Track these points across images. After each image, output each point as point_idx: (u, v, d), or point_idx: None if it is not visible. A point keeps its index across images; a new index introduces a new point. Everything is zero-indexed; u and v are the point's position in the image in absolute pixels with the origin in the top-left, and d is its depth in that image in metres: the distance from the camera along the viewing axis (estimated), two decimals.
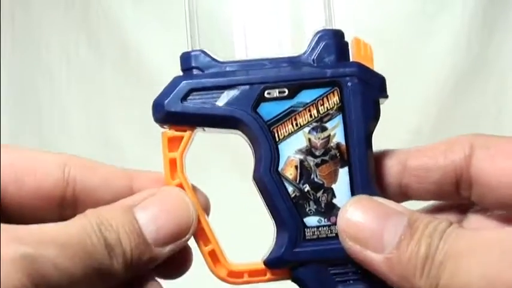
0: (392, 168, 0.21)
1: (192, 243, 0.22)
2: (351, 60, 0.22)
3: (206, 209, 0.22)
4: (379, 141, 0.24)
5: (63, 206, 0.19)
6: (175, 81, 0.22)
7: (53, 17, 0.91)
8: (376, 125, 0.22)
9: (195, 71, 0.22)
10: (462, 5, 0.93)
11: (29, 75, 0.93)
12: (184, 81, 0.21)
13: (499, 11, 0.94)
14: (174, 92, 0.21)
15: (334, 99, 0.21)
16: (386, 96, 0.23)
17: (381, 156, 0.22)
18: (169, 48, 0.98)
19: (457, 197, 0.20)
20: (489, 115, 1.05)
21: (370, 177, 0.21)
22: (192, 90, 0.21)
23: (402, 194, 0.21)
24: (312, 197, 0.21)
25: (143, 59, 0.90)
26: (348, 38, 0.23)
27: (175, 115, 0.21)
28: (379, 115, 0.22)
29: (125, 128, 0.93)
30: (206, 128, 0.22)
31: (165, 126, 0.22)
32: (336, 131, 0.21)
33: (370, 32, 0.99)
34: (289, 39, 0.23)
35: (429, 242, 0.16)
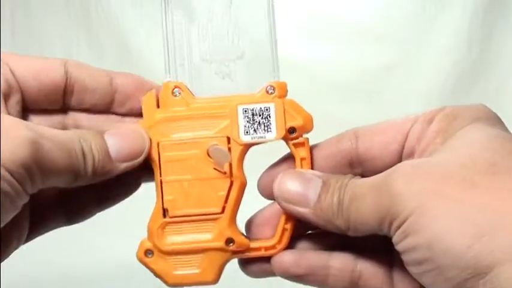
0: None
1: None
2: None
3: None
4: None
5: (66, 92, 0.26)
6: None
7: (53, 17, 0.91)
8: None
9: None
10: (462, 5, 0.93)
11: None
12: None
13: (499, 11, 0.94)
14: None
15: None
16: None
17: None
18: None
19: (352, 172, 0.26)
20: None
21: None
22: None
23: None
24: None
25: (143, 59, 0.90)
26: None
27: None
28: None
29: None
30: None
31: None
32: None
33: (370, 32, 0.99)
34: None
35: (338, 193, 0.23)
